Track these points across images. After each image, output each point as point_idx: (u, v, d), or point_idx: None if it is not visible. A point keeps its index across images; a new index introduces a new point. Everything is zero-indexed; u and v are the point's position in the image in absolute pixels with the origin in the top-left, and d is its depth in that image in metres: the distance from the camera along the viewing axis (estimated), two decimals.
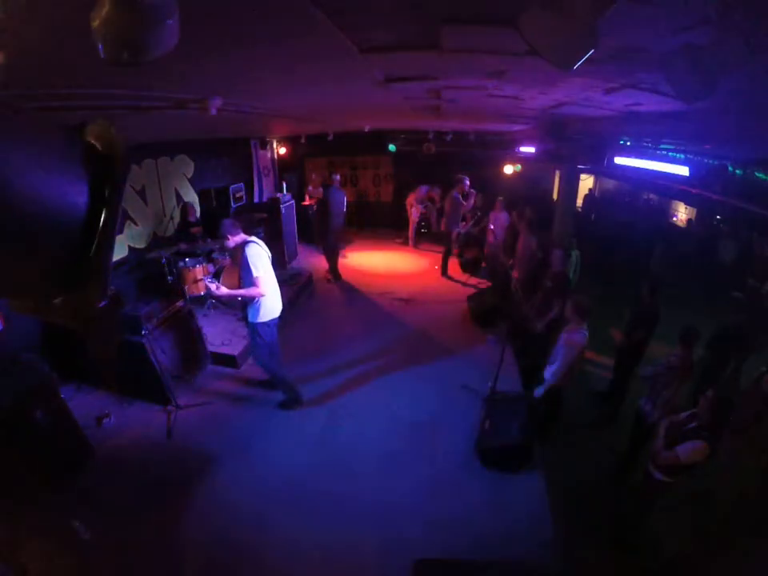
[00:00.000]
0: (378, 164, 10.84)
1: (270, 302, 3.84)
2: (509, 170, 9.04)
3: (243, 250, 3.64)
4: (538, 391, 3.71)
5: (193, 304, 5.19)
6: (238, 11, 1.29)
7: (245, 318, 3.93)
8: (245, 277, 3.65)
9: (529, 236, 6.03)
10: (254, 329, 3.88)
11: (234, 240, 3.70)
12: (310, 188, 8.58)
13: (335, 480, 3.46)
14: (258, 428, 4.03)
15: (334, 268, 7.75)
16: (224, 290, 3.66)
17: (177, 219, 6.61)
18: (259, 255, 3.70)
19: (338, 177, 7.93)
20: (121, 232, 5.54)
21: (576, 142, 5.14)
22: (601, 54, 1.54)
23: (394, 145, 9.63)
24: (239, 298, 3.84)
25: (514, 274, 6.25)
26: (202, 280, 5.73)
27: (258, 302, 3.76)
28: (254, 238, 3.80)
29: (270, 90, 2.99)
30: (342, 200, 7.59)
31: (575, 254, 5.70)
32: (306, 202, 9.38)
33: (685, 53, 1.15)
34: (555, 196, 10.32)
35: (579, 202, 10.75)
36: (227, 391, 4.54)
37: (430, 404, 4.40)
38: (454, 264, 8.13)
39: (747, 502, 3.24)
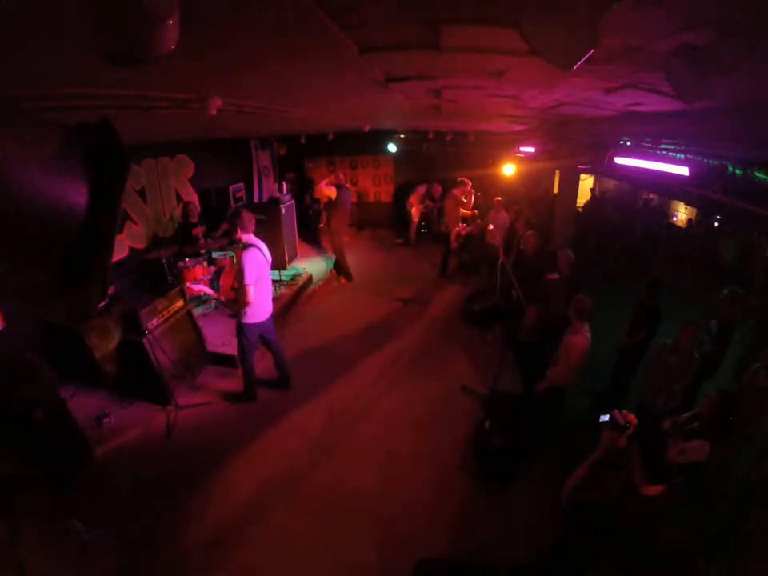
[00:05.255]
0: (378, 164, 10.82)
1: (258, 306, 3.92)
2: (509, 170, 9.02)
3: (242, 253, 3.69)
4: (538, 385, 3.69)
5: (193, 304, 5.19)
6: (237, 11, 1.29)
7: (234, 316, 4.08)
8: (239, 278, 3.72)
9: (524, 233, 6.01)
10: (240, 328, 4.00)
11: (240, 236, 3.77)
12: (324, 183, 7.68)
13: (335, 480, 3.46)
14: (258, 428, 4.03)
15: (345, 267, 7.71)
16: (210, 292, 4.11)
17: (177, 219, 6.60)
18: (256, 262, 3.74)
19: (341, 175, 7.82)
20: (121, 232, 5.53)
21: (576, 142, 5.14)
22: (601, 54, 1.54)
23: (394, 145, 9.62)
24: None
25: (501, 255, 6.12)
26: (201, 282, 5.72)
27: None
28: (257, 242, 3.84)
29: (269, 90, 2.99)
30: (350, 198, 7.59)
31: None
32: (323, 192, 8.56)
33: (684, 53, 1.15)
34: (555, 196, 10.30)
35: (581, 201, 10.73)
36: (227, 391, 4.53)
37: (430, 404, 4.40)
38: (453, 264, 8.11)
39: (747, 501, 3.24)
